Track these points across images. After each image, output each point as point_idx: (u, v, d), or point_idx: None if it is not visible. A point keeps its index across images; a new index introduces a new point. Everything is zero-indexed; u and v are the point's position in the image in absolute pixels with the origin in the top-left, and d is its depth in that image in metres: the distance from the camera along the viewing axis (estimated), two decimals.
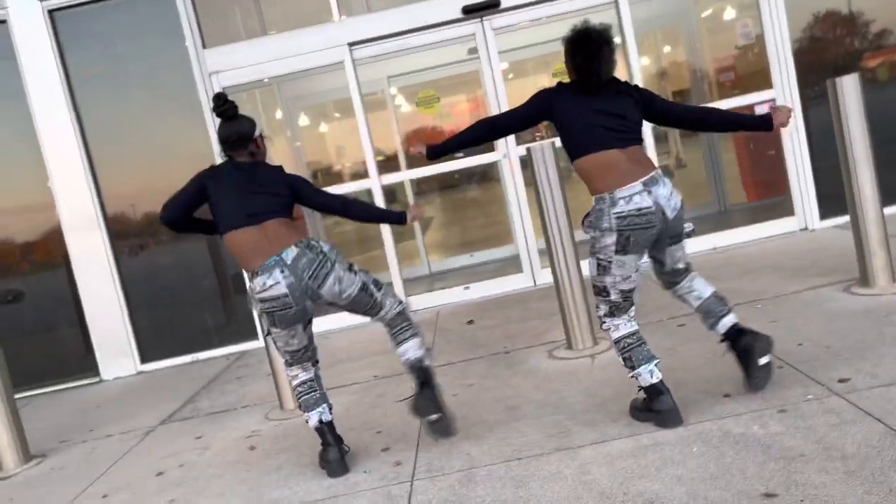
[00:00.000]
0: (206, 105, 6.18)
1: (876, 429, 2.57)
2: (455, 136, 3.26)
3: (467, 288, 6.45)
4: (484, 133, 3.26)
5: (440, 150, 3.27)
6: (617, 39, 6.15)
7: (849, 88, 4.06)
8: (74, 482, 3.80)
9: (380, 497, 2.87)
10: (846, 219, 6.07)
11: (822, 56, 6.47)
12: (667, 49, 9.61)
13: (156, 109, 6.32)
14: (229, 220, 3.08)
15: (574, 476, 2.70)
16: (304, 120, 9.07)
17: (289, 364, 3.29)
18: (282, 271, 2.99)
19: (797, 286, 4.60)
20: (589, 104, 2.96)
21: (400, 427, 3.59)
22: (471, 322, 5.54)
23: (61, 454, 4.36)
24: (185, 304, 6.52)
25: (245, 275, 3.16)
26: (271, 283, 3.00)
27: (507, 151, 6.28)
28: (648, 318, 4.38)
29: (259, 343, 6.33)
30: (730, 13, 8.04)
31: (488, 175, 9.83)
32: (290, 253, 3.01)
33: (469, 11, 6.10)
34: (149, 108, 6.32)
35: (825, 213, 6.26)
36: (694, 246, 6.25)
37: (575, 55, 2.98)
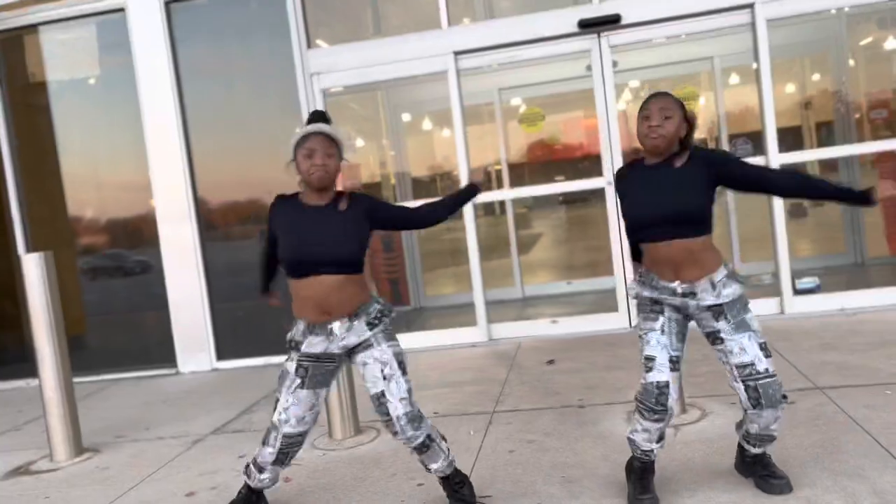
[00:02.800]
0: (305, 105, 6.06)
1: None
2: None
3: (555, 322, 5.98)
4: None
5: None
6: (753, 65, 5.54)
7: None
8: (110, 487, 3.67)
9: None
10: None
11: None
12: (815, 77, 8.73)
13: (256, 107, 6.26)
14: None
15: None
16: (405, 128, 8.85)
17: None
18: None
19: None
20: None
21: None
22: (551, 362, 5.08)
23: (111, 452, 4.27)
24: (265, 304, 6.41)
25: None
26: None
27: (611, 179, 5.77)
28: None
29: None
30: (891, 43, 7.15)
31: (596, 197, 9.30)
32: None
33: (586, 25, 5.64)
34: (250, 104, 6.28)
35: None
36: (818, 305, 5.53)
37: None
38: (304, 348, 2.76)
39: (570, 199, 9.64)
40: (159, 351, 6.50)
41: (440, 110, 8.11)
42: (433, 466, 2.80)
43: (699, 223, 2.54)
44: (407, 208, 2.91)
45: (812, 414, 3.49)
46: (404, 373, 2.73)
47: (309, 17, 6.08)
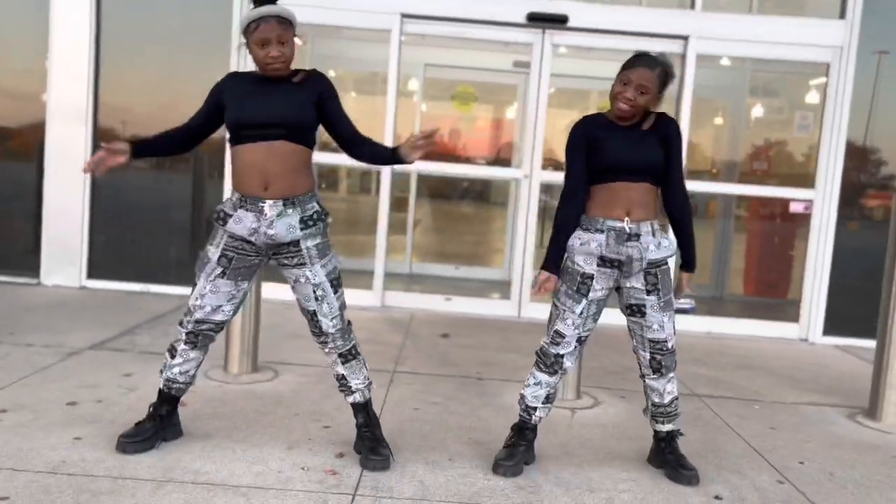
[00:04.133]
0: (235, 35, 5.76)
1: None
2: None
3: (448, 299, 6.06)
4: None
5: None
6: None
7: None
8: None
9: (314, 502, 2.46)
10: (848, 341, 5.90)
11: (858, 175, 6.21)
12: (712, 120, 9.35)
13: (185, 22, 5.87)
14: None
15: None
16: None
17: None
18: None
19: (796, 398, 4.29)
20: None
21: (353, 427, 3.18)
22: (445, 336, 5.16)
23: None
24: (152, 230, 6.05)
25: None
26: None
27: (529, 172, 5.93)
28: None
29: None
30: (782, 101, 7.81)
31: (486, 195, 9.54)
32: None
33: (534, 19, 5.76)
34: (179, 18, 5.87)
35: (828, 330, 6.00)
36: (690, 326, 5.96)
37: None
38: (230, 224, 2.65)
39: (467, 192, 9.77)
40: (19, 258, 5.97)
41: (367, 73, 8.00)
42: (354, 383, 2.80)
43: (659, 175, 2.77)
44: (353, 127, 2.75)
45: (693, 416, 3.77)
46: (336, 289, 2.73)
47: None
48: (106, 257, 5.98)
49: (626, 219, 2.72)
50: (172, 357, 2.79)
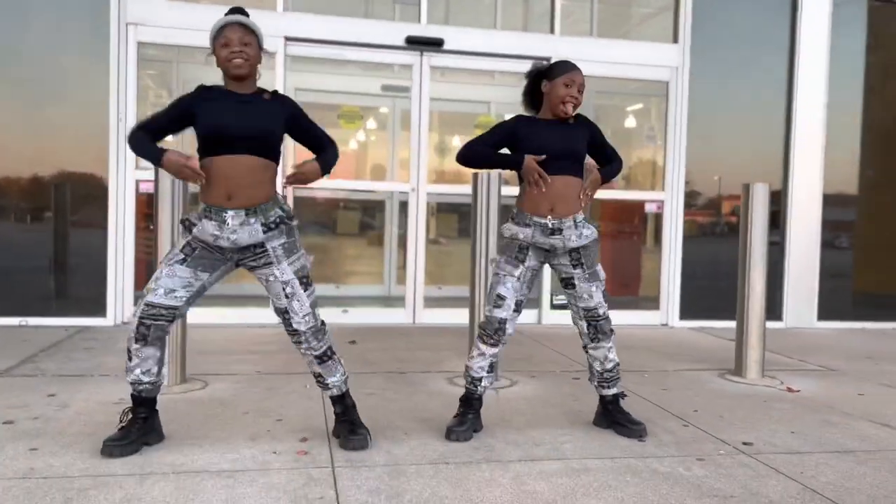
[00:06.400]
0: (114, 56, 5.68)
1: (793, 486, 2.73)
2: None
3: (346, 311, 6.24)
4: None
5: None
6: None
7: (759, 194, 4.51)
8: None
9: (299, 476, 2.61)
10: (700, 323, 6.72)
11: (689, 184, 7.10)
12: None
13: (55, 48, 5.68)
14: None
15: (511, 485, 2.62)
16: None
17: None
18: None
19: (675, 366, 4.90)
20: None
21: (304, 419, 3.33)
22: (353, 342, 5.34)
23: None
24: (21, 266, 5.75)
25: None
26: None
27: (416, 186, 6.28)
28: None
29: (105, 321, 5.71)
30: (624, 124, 8.73)
31: (333, 227, 9.75)
32: None
33: (412, 42, 6.15)
34: (48, 44, 5.68)
35: (683, 315, 6.79)
36: (564, 319, 6.53)
37: None
38: (195, 231, 2.74)
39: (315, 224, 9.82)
40: None
41: None
42: (331, 380, 2.93)
43: (582, 165, 3.17)
44: (320, 135, 2.92)
45: None
46: (307, 287, 2.83)
47: None
48: None
49: (549, 216, 3.11)
50: (130, 359, 2.78)
